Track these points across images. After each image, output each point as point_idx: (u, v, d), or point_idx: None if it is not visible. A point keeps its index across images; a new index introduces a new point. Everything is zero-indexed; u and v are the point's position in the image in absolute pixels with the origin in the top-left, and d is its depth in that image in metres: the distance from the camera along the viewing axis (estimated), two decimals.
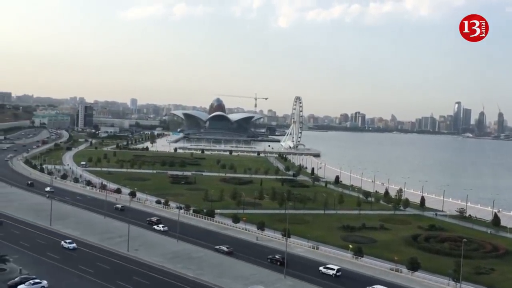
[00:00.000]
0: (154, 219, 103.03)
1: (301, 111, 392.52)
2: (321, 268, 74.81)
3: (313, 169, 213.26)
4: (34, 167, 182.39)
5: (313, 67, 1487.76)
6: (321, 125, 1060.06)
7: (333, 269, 73.85)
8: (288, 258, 74.11)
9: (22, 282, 61.70)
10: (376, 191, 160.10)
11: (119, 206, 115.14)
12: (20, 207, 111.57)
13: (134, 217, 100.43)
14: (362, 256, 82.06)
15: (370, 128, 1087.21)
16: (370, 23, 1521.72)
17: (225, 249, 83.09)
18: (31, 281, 61.64)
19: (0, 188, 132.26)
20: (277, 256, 78.62)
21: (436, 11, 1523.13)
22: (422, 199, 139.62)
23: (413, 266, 75.56)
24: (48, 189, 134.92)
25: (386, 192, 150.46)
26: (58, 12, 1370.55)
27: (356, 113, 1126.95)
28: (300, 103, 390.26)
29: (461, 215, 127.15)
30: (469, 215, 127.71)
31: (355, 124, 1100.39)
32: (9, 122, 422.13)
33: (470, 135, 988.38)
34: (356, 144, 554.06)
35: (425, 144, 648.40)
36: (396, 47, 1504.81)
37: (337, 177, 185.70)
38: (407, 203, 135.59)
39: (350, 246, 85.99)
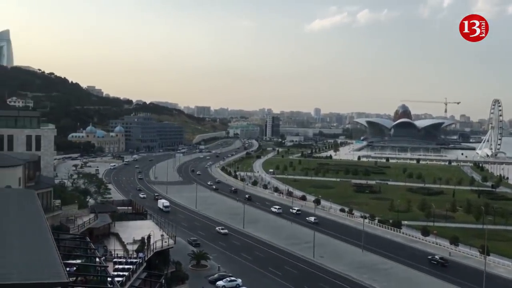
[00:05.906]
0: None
1: (500, 115, 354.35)
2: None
3: None
4: (229, 173, 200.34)
5: None
6: None
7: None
8: (487, 277, 66.25)
9: (220, 278, 67.91)
10: None
11: (294, 209, 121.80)
12: (218, 210, 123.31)
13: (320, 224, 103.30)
14: None
15: None
16: None
17: None
18: (228, 279, 67.44)
19: (202, 192, 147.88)
20: None
21: None
22: None
23: None
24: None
25: None
26: (247, 31, 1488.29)
27: None
28: (499, 106, 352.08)
29: None
30: None
31: None
32: (208, 133, 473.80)
33: None
34: None
35: None
36: None
37: None
38: None
39: None
